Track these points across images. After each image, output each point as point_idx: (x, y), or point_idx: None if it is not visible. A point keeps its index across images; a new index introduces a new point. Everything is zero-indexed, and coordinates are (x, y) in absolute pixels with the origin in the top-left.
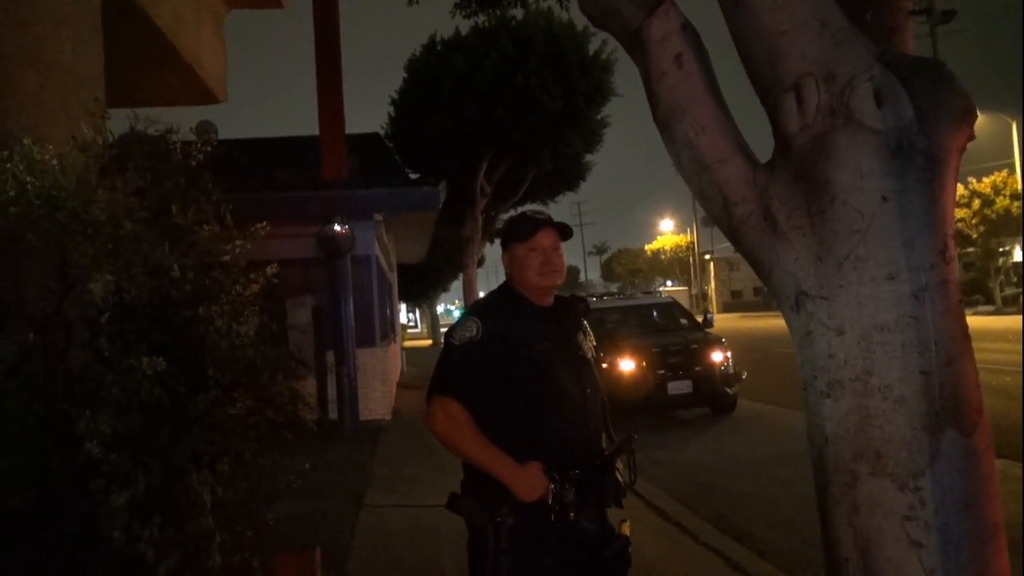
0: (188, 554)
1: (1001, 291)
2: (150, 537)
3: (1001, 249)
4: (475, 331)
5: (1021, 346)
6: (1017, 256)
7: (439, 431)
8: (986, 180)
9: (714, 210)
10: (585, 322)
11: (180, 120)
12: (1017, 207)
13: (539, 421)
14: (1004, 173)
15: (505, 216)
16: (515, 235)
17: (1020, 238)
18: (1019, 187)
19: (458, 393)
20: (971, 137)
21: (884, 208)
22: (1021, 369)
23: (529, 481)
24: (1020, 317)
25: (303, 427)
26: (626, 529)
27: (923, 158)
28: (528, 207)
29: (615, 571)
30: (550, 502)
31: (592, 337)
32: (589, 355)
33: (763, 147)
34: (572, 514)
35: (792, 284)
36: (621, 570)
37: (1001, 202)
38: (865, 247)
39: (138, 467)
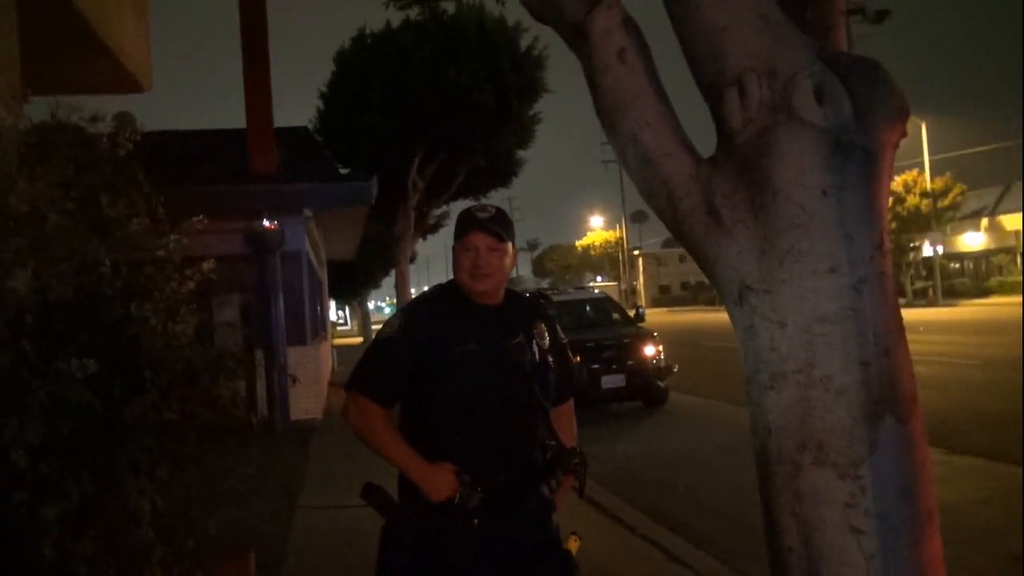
0: (125, 569)
1: (912, 285)
2: (83, 552)
3: (911, 244)
4: (396, 328)
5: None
6: (926, 252)
7: (352, 425)
8: (898, 179)
9: (659, 204)
10: (543, 323)
11: (104, 110)
12: (927, 204)
13: (454, 423)
14: (915, 172)
15: (438, 212)
16: (455, 233)
17: (928, 234)
18: (928, 185)
19: (370, 389)
20: (904, 134)
21: (824, 203)
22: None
23: (436, 481)
24: (929, 309)
25: (247, 430)
26: (572, 544)
27: (861, 154)
28: (460, 203)
29: None
30: (455, 505)
31: (549, 339)
32: (528, 358)
33: (700, 143)
34: (475, 520)
35: (735, 278)
36: None
37: (912, 200)
38: (807, 241)
39: (70, 478)
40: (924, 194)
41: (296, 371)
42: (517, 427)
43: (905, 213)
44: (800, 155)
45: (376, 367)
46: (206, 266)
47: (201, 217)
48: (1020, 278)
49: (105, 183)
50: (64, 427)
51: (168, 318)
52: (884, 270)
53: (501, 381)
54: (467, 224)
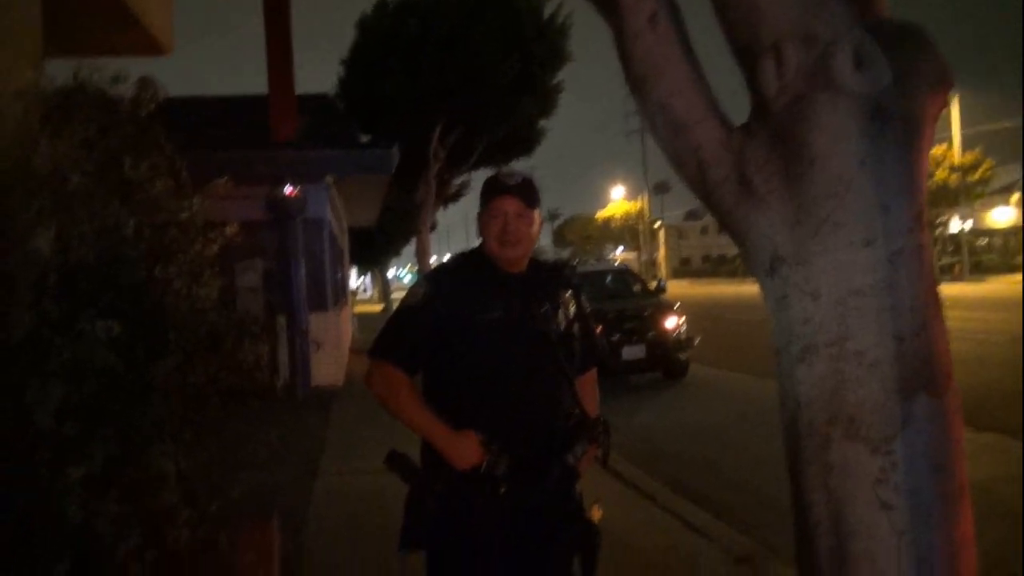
0: (150, 531)
1: (939, 260)
2: (107, 513)
3: (938, 220)
4: (419, 296)
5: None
6: (953, 227)
7: (375, 392)
8: None
9: (689, 174)
10: (569, 292)
11: (125, 72)
12: (955, 178)
13: (477, 391)
14: (944, 146)
15: (459, 181)
16: (481, 199)
17: (956, 209)
18: (956, 160)
19: (393, 356)
20: (945, 104)
21: (862, 172)
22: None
23: (461, 449)
24: (955, 284)
25: (270, 394)
26: (596, 513)
27: (901, 123)
28: (481, 172)
29: (584, 556)
30: (482, 472)
31: (575, 308)
32: (552, 328)
33: (731, 111)
34: (502, 488)
35: (768, 249)
36: (589, 555)
37: (940, 175)
38: (843, 212)
39: (94, 439)
40: (953, 168)
41: (317, 337)
42: (542, 396)
43: (933, 187)
44: (837, 123)
45: (400, 334)
46: (229, 230)
47: (226, 179)
48: None
49: (127, 145)
50: (87, 388)
51: (192, 281)
52: (922, 243)
53: (526, 350)
54: (495, 189)
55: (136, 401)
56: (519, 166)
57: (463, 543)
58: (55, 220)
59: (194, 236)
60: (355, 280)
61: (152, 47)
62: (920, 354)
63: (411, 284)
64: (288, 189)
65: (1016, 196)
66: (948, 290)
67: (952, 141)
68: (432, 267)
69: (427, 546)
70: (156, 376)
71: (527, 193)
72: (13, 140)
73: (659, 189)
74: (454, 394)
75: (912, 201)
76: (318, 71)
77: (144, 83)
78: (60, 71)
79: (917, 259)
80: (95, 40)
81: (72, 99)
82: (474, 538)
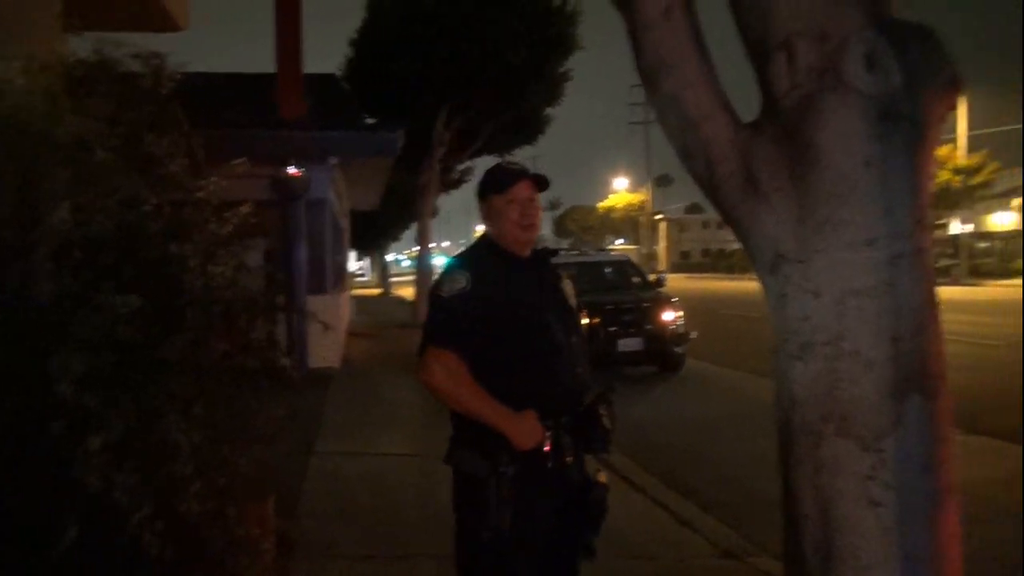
0: (161, 502)
1: (936, 262)
2: (124, 483)
3: (939, 222)
4: (464, 282)
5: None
6: (953, 229)
7: (435, 383)
8: None
9: (696, 168)
10: (562, 273)
11: (142, 48)
12: (957, 181)
13: (531, 370)
14: (948, 148)
15: (462, 167)
16: (493, 186)
17: (958, 211)
18: (960, 161)
19: (453, 344)
20: (953, 106)
21: (867, 173)
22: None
23: (526, 429)
24: (951, 288)
25: (280, 374)
26: (603, 478)
27: (908, 124)
28: (484, 159)
29: (595, 518)
30: (547, 449)
31: (571, 285)
32: (572, 302)
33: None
34: (569, 459)
35: (770, 246)
36: (601, 516)
37: (943, 175)
38: (846, 211)
39: (113, 410)
40: (957, 170)
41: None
42: (577, 365)
43: (936, 189)
44: (845, 123)
45: (454, 322)
46: (243, 210)
47: (244, 160)
48: None
49: (147, 121)
50: (106, 360)
51: (206, 259)
52: (923, 246)
53: (560, 324)
54: (511, 176)
55: (152, 374)
56: (522, 154)
57: (530, 520)
58: (78, 192)
59: (208, 215)
60: (354, 263)
61: (168, 22)
62: (916, 356)
63: (442, 273)
64: (292, 170)
65: (1017, 201)
66: (944, 293)
67: (957, 142)
68: (455, 255)
69: (501, 531)
70: (172, 351)
71: (539, 178)
72: (38, 113)
73: (661, 182)
74: (504, 375)
75: (916, 204)
76: (325, 51)
77: (157, 59)
78: (78, 46)
79: (918, 262)
80: (112, 15)
81: (94, 74)
82: (533, 514)
